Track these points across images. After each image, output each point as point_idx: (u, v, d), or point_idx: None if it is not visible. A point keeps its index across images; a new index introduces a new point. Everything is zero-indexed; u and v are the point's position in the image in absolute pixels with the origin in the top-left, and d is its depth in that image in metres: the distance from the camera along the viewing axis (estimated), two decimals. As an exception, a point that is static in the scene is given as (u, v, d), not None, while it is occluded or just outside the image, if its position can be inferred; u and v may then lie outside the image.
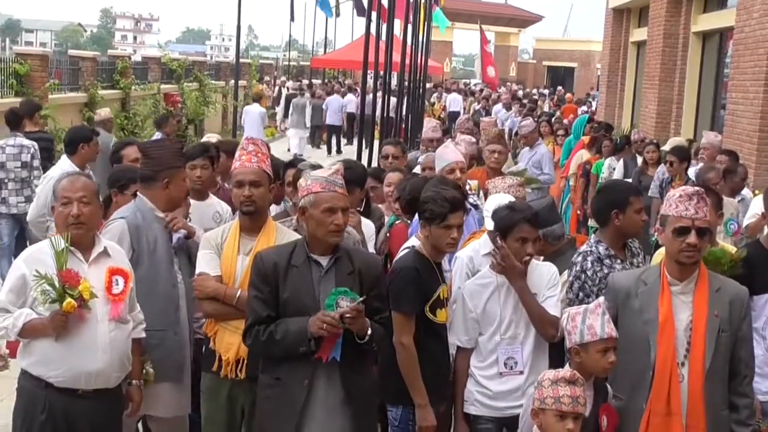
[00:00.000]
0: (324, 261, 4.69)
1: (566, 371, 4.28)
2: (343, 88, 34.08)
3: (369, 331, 4.56)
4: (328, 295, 4.51)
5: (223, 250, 5.18)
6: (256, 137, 17.02)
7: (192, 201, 6.15)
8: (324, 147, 29.60)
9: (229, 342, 5.12)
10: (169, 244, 5.50)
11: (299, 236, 5.16)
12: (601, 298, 4.62)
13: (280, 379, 4.68)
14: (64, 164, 8.62)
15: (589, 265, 5.43)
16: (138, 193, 5.64)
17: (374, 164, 16.54)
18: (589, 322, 4.52)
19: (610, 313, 4.66)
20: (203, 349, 5.35)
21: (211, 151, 6.89)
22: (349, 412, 4.64)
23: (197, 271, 5.22)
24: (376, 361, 5.07)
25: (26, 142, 10.67)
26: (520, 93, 37.62)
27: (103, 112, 14.16)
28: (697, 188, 4.76)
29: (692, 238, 4.55)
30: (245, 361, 5.09)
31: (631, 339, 4.62)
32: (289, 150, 26.29)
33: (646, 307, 4.65)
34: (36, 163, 10.61)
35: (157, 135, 13.52)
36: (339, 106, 29.11)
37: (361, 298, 4.48)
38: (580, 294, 5.42)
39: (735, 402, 4.71)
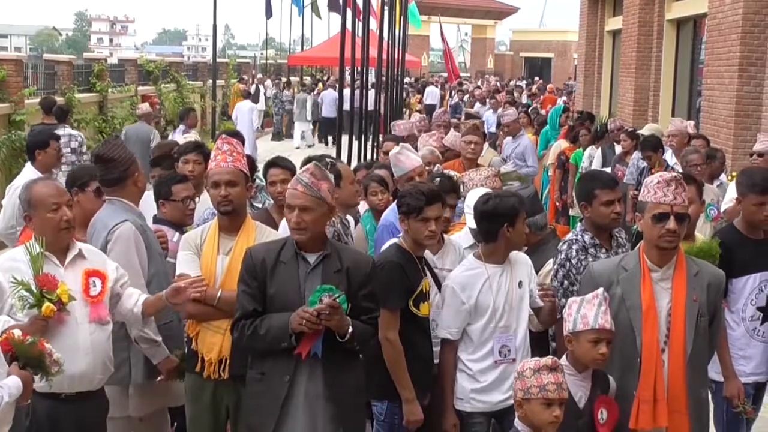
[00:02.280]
0: (312, 258, 4.69)
1: (546, 359, 4.28)
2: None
3: (350, 330, 4.53)
4: (313, 292, 4.51)
5: (202, 251, 5.17)
6: (248, 133, 17.49)
7: None
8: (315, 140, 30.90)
9: (211, 342, 5.11)
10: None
11: (279, 234, 5.16)
12: (600, 289, 4.61)
13: (264, 374, 4.69)
14: (29, 173, 8.27)
15: (574, 253, 5.46)
16: (108, 198, 5.63)
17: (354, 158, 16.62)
18: (583, 312, 4.53)
19: None
20: (186, 350, 5.34)
21: (205, 147, 7.03)
22: (332, 409, 4.62)
23: (177, 272, 5.20)
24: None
25: (74, 132, 12.75)
26: (498, 85, 37.57)
27: (144, 107, 15.94)
28: (675, 174, 4.78)
29: (671, 223, 4.58)
30: (228, 361, 5.08)
31: (617, 326, 4.63)
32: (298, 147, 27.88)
33: (629, 294, 4.69)
34: (84, 149, 12.68)
35: (181, 128, 14.53)
36: (333, 99, 29.35)
37: (337, 295, 4.45)
38: (565, 282, 5.45)
39: None
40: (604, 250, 5.48)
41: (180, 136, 11.59)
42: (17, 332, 4.06)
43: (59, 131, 11.67)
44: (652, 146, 10.73)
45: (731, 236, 5.76)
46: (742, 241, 5.69)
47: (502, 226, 5.17)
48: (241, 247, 5.09)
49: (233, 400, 5.16)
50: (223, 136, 5.47)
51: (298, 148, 28.11)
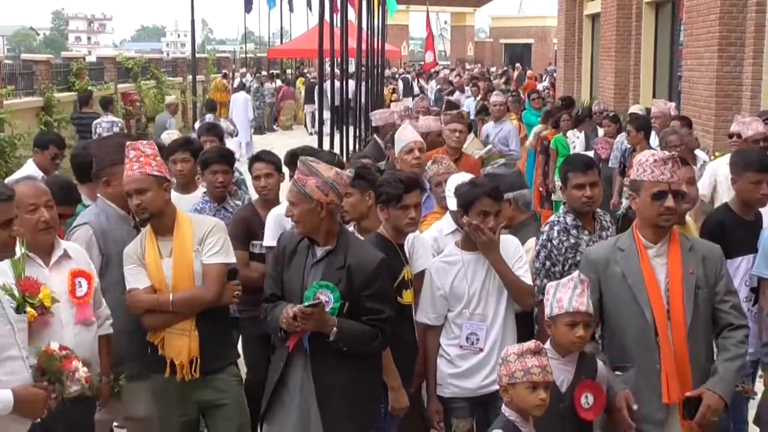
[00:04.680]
0: (320, 251, 4.74)
1: (530, 343, 4.26)
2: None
3: (333, 331, 4.55)
4: (310, 287, 4.59)
5: (145, 260, 5.11)
6: (244, 124, 20.34)
7: (175, 194, 6.11)
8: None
9: (179, 345, 5.07)
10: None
11: (216, 220, 5.35)
12: (576, 272, 4.63)
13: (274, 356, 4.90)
14: (29, 169, 8.22)
15: (555, 234, 5.47)
16: (98, 193, 5.60)
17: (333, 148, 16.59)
18: (558, 296, 4.53)
19: (592, 283, 4.69)
20: (149, 350, 5.22)
21: (195, 143, 7.15)
22: (320, 406, 4.65)
23: (127, 288, 5.13)
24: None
25: (115, 119, 15.50)
26: (476, 70, 37.47)
27: (170, 99, 19.29)
28: (671, 153, 4.80)
29: (670, 201, 4.61)
30: (198, 360, 5.07)
31: (622, 305, 4.69)
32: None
33: (629, 272, 4.70)
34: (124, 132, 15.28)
35: (209, 116, 16.65)
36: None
37: (314, 302, 4.49)
38: (547, 263, 5.46)
39: (726, 338, 4.68)
40: (586, 232, 5.49)
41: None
42: (55, 345, 4.14)
43: (104, 118, 15.01)
44: (635, 123, 10.70)
45: (725, 217, 5.76)
46: (737, 222, 5.69)
47: (460, 212, 5.24)
48: (180, 245, 5.09)
49: (207, 396, 5.17)
50: (129, 142, 5.33)
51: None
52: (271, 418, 4.84)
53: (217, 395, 5.17)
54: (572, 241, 5.42)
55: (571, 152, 12.60)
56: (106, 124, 15.09)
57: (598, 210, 5.70)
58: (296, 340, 4.67)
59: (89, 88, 21.56)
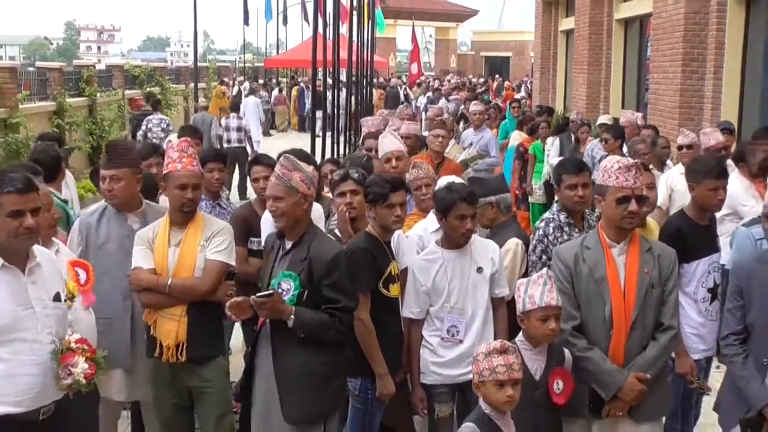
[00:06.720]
0: (289, 244, 4.80)
1: (497, 342, 4.24)
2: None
3: (292, 318, 4.59)
4: (275, 277, 4.68)
5: (155, 245, 5.13)
6: (255, 126, 20.29)
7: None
8: None
9: (168, 329, 5.07)
10: (125, 239, 5.36)
11: (223, 223, 5.31)
12: (545, 269, 4.66)
13: None
14: None
15: (551, 230, 5.54)
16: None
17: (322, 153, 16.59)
18: (530, 292, 4.53)
19: (566, 277, 4.74)
20: (145, 336, 5.24)
21: (160, 149, 7.25)
22: (279, 389, 4.72)
23: (132, 265, 5.14)
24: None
25: (164, 117, 17.02)
26: (453, 80, 37.43)
27: (203, 102, 21.10)
28: (635, 160, 4.83)
29: (633, 206, 4.65)
30: (185, 345, 5.06)
31: (588, 299, 4.72)
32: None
33: (595, 268, 4.73)
34: (170, 129, 16.52)
35: (233, 116, 17.52)
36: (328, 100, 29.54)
37: (268, 292, 4.57)
38: (543, 257, 5.52)
39: (653, 339, 4.74)
40: (576, 230, 5.55)
41: (235, 122, 17.09)
42: (76, 336, 4.22)
43: (155, 116, 16.77)
44: (613, 132, 10.69)
45: (682, 223, 5.77)
46: (693, 227, 5.69)
47: (439, 215, 5.26)
48: (189, 239, 5.10)
49: (194, 383, 5.17)
50: (187, 138, 5.39)
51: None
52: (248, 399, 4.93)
53: (202, 383, 5.16)
54: (565, 237, 5.49)
55: (546, 158, 12.65)
56: (156, 120, 16.79)
57: (586, 210, 5.75)
58: (262, 323, 4.79)
59: (99, 94, 21.59)
